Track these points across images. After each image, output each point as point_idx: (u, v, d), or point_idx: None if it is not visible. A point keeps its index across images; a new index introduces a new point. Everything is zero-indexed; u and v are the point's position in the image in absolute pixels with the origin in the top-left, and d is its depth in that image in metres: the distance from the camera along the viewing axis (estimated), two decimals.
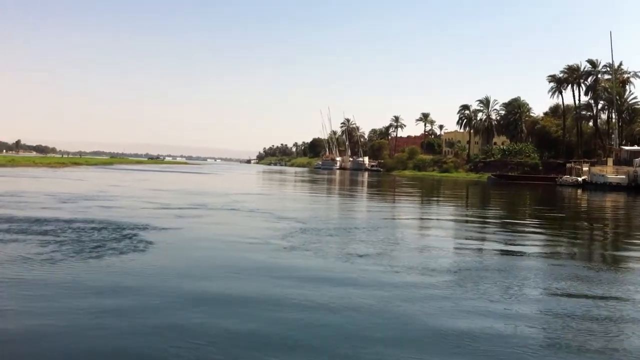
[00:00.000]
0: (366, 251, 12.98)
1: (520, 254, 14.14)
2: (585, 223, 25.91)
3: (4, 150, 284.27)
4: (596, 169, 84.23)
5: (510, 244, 15.96)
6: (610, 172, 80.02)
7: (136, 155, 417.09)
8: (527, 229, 20.82)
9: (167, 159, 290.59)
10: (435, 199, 43.41)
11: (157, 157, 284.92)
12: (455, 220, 22.81)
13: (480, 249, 14.91)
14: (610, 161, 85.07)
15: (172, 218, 18.59)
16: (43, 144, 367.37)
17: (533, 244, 16.23)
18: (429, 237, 16.96)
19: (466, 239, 16.88)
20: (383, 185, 66.21)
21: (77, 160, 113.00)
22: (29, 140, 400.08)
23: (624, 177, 77.12)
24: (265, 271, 10.52)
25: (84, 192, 28.48)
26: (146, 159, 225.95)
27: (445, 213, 27.23)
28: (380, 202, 34.57)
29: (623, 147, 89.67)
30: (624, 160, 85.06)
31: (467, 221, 23.11)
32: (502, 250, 14.57)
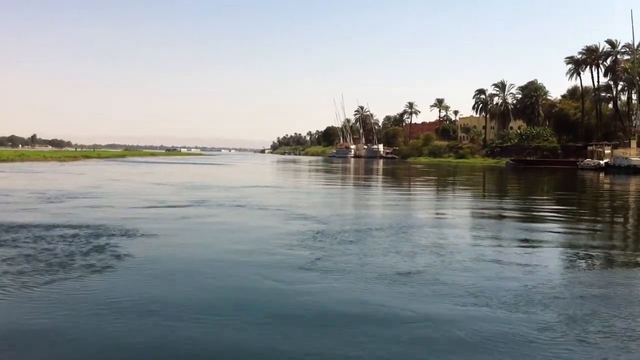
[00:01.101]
0: (408, 267, 9.66)
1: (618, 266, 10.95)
2: None
3: (20, 145, 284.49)
4: (619, 152, 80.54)
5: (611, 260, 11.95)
6: (635, 155, 76.36)
7: (151, 147, 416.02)
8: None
9: (183, 150, 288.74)
10: (459, 187, 40.20)
11: (174, 149, 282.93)
12: (496, 216, 19.45)
13: (566, 260, 11.28)
14: (634, 143, 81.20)
15: (163, 220, 15.34)
16: (59, 138, 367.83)
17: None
18: (480, 246, 12.44)
19: (529, 245, 13.00)
20: (400, 174, 62.90)
21: (89, 153, 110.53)
22: (45, 134, 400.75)
23: None
24: (275, 309, 7.14)
25: (76, 189, 25.44)
26: (160, 151, 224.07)
27: (479, 206, 23.89)
28: (401, 193, 31.32)
29: None
30: None
31: (511, 216, 19.80)
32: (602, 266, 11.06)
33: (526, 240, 13.40)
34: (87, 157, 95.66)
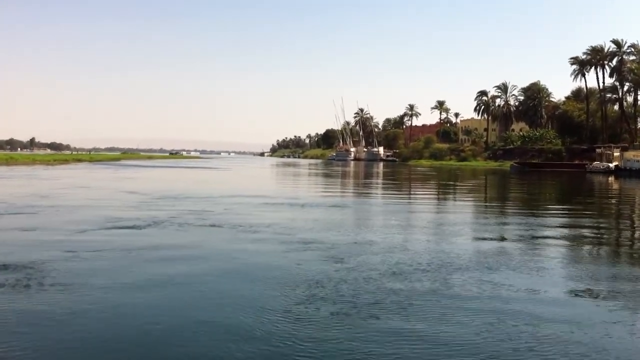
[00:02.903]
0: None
1: None
2: None
3: (19, 149, 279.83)
4: (630, 154, 76.38)
5: None
6: None
7: (151, 150, 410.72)
8: None
9: (182, 153, 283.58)
10: (472, 194, 36.02)
11: (177, 152, 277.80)
12: (531, 239, 15.16)
13: None
14: None
15: (90, 257, 10.95)
16: (58, 142, 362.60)
17: None
18: (540, 292, 8.55)
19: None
20: (407, 179, 58.60)
21: (81, 156, 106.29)
22: (45, 138, 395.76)
23: None
24: None
25: (17, 200, 21.22)
26: (158, 154, 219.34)
27: (523, 226, 19.64)
28: (418, 205, 26.87)
29: None
30: None
31: (551, 239, 15.56)
32: None
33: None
34: (79, 160, 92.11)
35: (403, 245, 12.47)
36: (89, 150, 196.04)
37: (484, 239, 14.23)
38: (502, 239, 14.42)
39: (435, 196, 32.95)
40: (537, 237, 14.57)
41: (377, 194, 33.50)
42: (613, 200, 32.34)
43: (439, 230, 15.68)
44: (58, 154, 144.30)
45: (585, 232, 16.24)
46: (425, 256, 11.14)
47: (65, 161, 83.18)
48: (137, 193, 25.80)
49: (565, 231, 16.30)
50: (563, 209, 24.62)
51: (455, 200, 30.74)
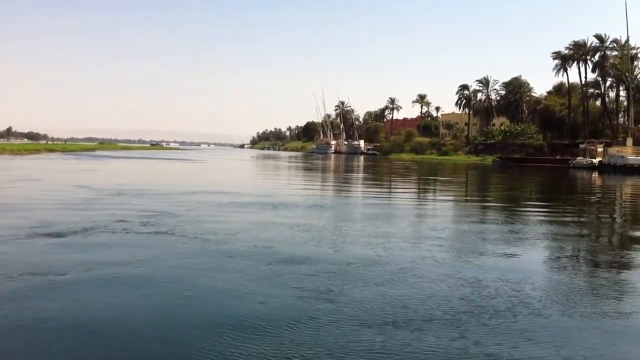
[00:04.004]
0: None
1: None
2: None
3: None
4: (614, 150, 74.60)
5: None
6: (631, 153, 70.44)
7: (129, 141, 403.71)
8: None
9: (162, 144, 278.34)
10: (462, 191, 33.57)
11: (157, 143, 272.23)
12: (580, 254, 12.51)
13: None
14: (630, 141, 75.23)
15: (6, 269, 8.34)
16: (35, 131, 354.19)
17: None
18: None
19: None
20: (389, 173, 56.00)
21: (54, 146, 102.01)
22: (24, 127, 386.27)
23: None
24: None
25: None
26: (135, 145, 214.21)
27: (547, 235, 17.03)
28: (409, 205, 24.18)
29: None
30: None
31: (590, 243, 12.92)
32: None
33: None
34: (51, 150, 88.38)
35: (401, 267, 9.65)
36: (65, 141, 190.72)
37: (505, 254, 11.55)
38: (514, 253, 11.75)
39: (422, 195, 30.35)
40: (559, 257, 11.91)
41: (358, 190, 30.61)
42: (610, 198, 30.08)
43: (443, 242, 12.96)
44: (32, 143, 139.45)
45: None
46: (440, 288, 8.37)
47: (36, 151, 79.16)
48: (90, 188, 22.56)
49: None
50: (561, 207, 22.17)
51: (443, 199, 28.15)
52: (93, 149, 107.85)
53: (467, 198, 27.94)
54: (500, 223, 16.47)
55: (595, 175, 62.64)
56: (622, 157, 70.19)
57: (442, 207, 22.23)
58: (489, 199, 27.91)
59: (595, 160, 75.88)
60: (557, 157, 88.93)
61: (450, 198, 27.55)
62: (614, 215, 21.40)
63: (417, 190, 32.59)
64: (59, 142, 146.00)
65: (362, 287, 8.06)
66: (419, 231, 14.02)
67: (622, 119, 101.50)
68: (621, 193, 34.68)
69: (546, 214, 19.70)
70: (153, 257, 9.67)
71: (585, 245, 13.17)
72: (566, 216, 19.17)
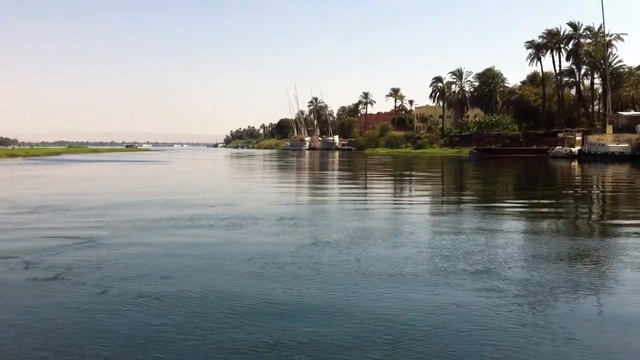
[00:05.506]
0: None
1: None
2: None
3: None
4: (594, 138, 72.17)
5: None
6: (611, 141, 68.04)
7: (101, 143, 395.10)
8: None
9: (136, 146, 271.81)
10: (444, 185, 30.19)
11: (132, 145, 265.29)
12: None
13: None
14: (610, 129, 72.90)
15: None
16: (4, 136, 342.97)
17: None
18: None
19: None
20: (365, 169, 52.50)
21: (17, 152, 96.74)
22: None
23: (626, 145, 65.76)
24: None
25: None
26: (104, 148, 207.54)
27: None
28: (392, 205, 20.70)
29: (621, 112, 77.37)
30: (622, 127, 73.13)
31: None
32: None
33: None
34: (13, 155, 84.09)
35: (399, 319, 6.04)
36: (32, 145, 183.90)
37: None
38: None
39: (405, 194, 26.88)
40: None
41: (334, 193, 26.66)
42: (607, 190, 26.97)
43: (437, 251, 9.35)
44: None
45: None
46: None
47: None
48: (6, 200, 18.49)
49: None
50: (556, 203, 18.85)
51: (429, 198, 24.67)
52: (58, 153, 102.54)
53: (461, 200, 24.49)
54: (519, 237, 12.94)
55: (575, 164, 60.24)
56: (603, 145, 67.83)
57: (427, 202, 18.71)
58: (489, 197, 24.52)
59: (575, 149, 73.63)
60: (535, 147, 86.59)
61: (436, 200, 24.09)
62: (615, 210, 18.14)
63: (388, 189, 29.14)
64: (26, 147, 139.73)
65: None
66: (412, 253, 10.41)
67: (597, 107, 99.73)
68: (613, 182, 31.69)
69: (546, 213, 16.28)
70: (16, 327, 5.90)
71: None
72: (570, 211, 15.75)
